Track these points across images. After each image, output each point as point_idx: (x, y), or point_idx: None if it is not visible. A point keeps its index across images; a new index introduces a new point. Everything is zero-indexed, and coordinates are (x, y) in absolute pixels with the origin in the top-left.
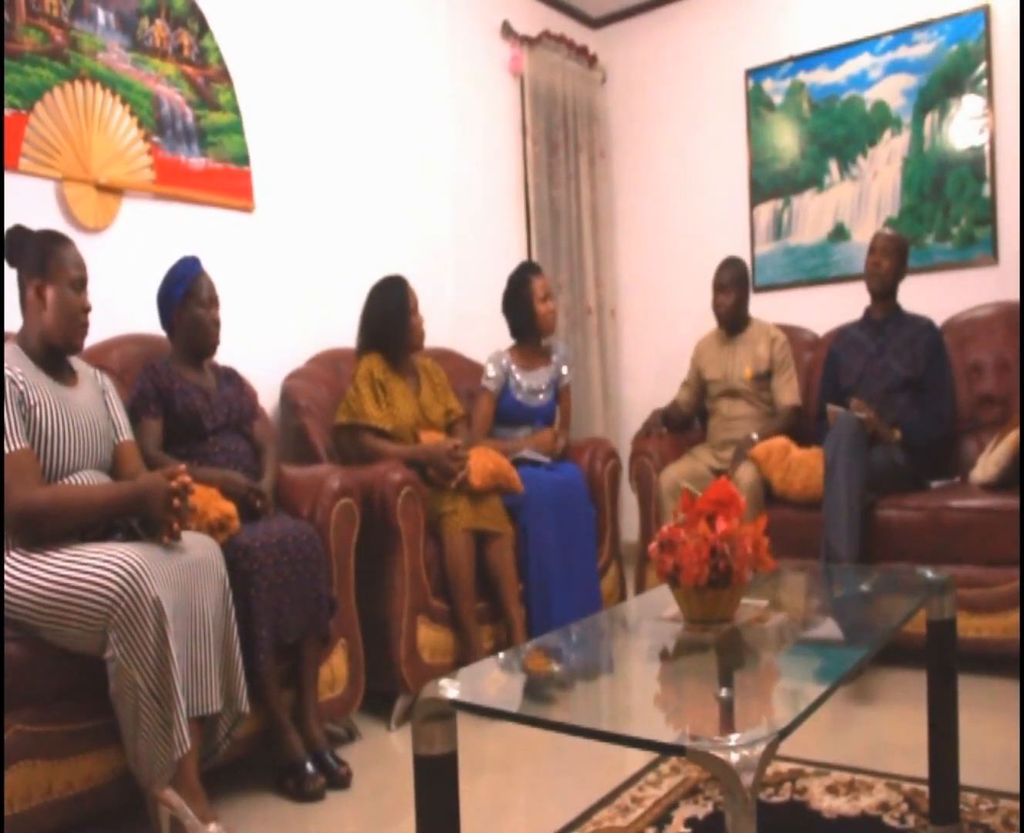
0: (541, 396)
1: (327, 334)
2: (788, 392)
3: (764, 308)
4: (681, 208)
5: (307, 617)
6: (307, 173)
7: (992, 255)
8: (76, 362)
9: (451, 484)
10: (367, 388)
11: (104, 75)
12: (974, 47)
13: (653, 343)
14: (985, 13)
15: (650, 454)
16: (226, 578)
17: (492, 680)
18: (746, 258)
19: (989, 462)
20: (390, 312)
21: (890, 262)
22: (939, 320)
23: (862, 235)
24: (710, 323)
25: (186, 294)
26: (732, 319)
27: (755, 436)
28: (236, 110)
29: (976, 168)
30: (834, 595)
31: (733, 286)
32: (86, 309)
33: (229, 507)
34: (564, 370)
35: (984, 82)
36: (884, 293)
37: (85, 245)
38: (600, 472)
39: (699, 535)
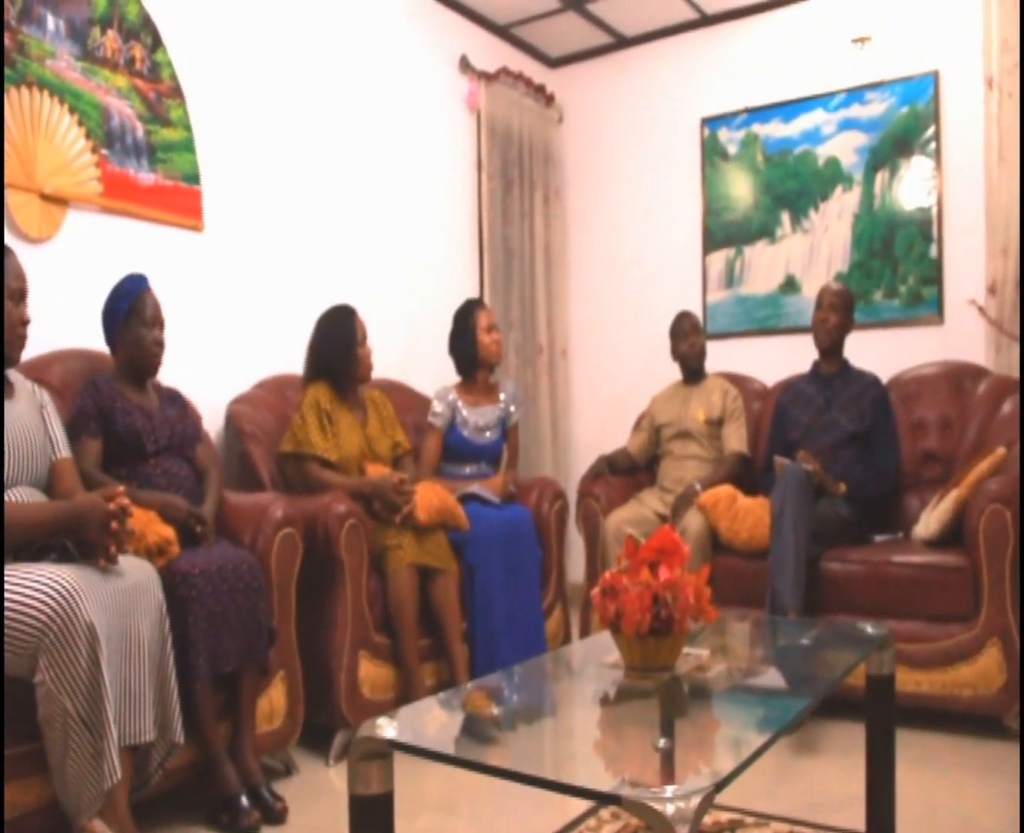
0: (488, 434)
1: (274, 359)
2: (736, 439)
3: (715, 356)
4: (634, 251)
5: (246, 647)
6: (258, 195)
7: (938, 314)
8: (13, 375)
9: (396, 519)
10: (313, 417)
11: (52, 83)
12: (924, 110)
13: (604, 384)
14: (934, 78)
15: (597, 496)
16: (163, 604)
17: (432, 719)
18: (698, 305)
19: (931, 519)
20: (337, 342)
21: (837, 318)
22: (885, 376)
23: (812, 288)
24: (661, 365)
25: (129, 311)
26: (700, 362)
27: (698, 486)
28: (188, 127)
29: (924, 228)
30: (777, 646)
31: (695, 332)
32: (24, 321)
33: (168, 532)
34: (512, 408)
35: (933, 144)
36: (831, 348)
37: (27, 255)
38: (547, 513)
39: (641, 582)
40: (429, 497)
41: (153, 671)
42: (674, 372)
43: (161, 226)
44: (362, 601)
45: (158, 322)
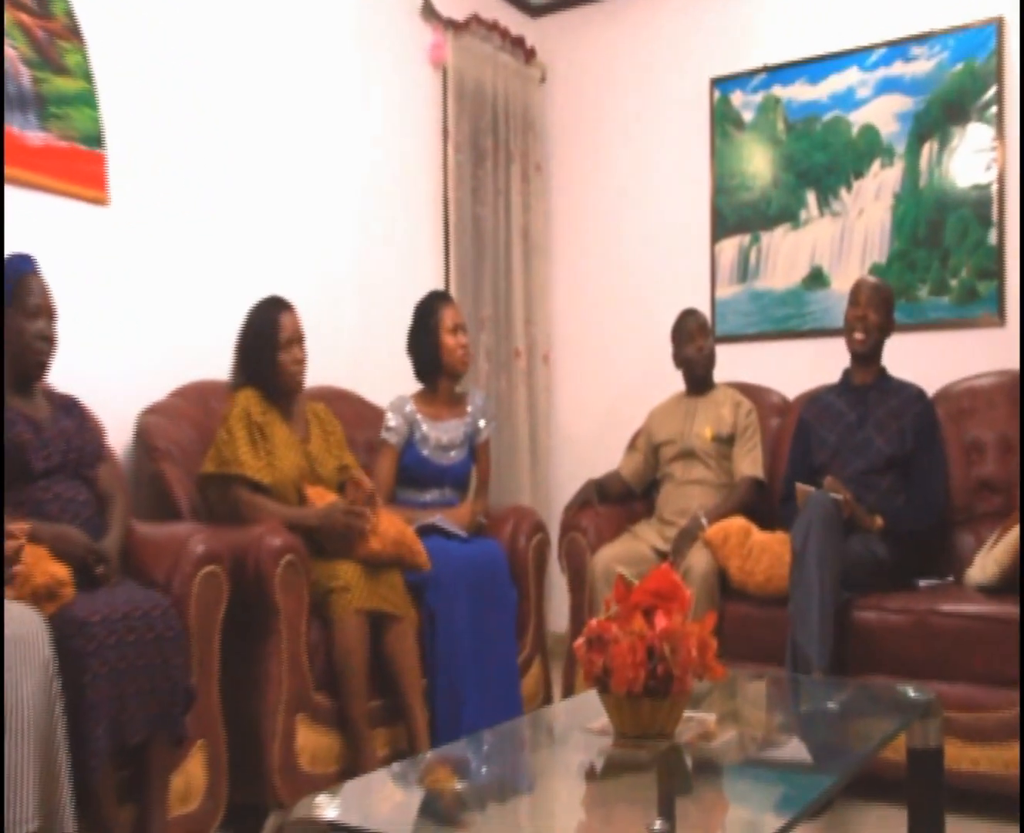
0: (453, 453)
1: (195, 362)
2: (749, 462)
3: (725, 362)
4: (630, 238)
5: (156, 712)
6: (178, 164)
7: (997, 314)
8: None
9: (363, 527)
10: (242, 431)
11: None
12: (983, 66)
13: (593, 396)
14: (998, 27)
15: (584, 529)
16: (52, 661)
17: (384, 797)
18: (705, 302)
19: (989, 560)
20: (259, 343)
21: (877, 317)
22: (932, 388)
23: (843, 282)
24: (661, 373)
25: (11, 299)
26: (708, 369)
27: (704, 518)
28: (88, 77)
29: (981, 210)
30: (799, 710)
31: (702, 334)
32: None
33: (61, 571)
34: (482, 423)
35: (993, 109)
36: (868, 354)
37: None
38: (524, 548)
39: (634, 632)
40: (384, 526)
41: (38, 744)
42: (676, 381)
43: (54, 196)
44: (301, 654)
45: (45, 312)
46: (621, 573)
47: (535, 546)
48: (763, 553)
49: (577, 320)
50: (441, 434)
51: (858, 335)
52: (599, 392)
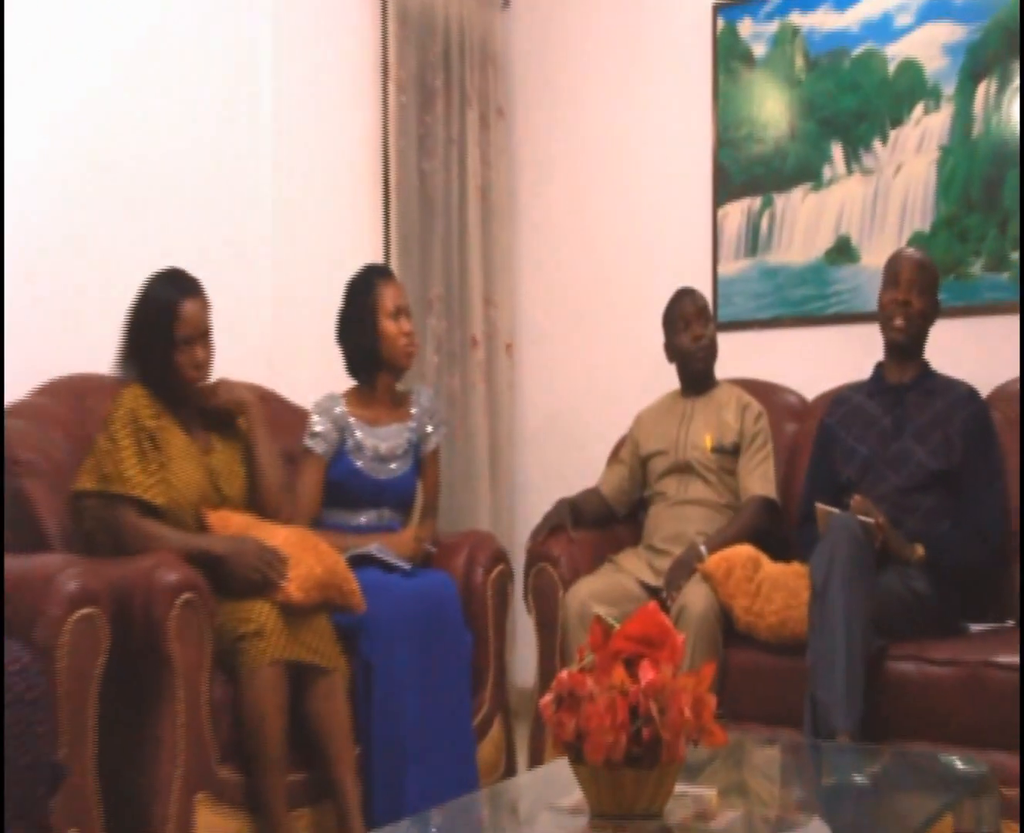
0: (394, 465)
1: (68, 352)
2: (758, 478)
3: (729, 355)
4: (612, 201)
5: (15, 796)
6: (40, 100)
7: None
8: None
9: (274, 594)
10: (128, 438)
11: None
12: None
13: (568, 395)
14: None
15: (555, 560)
16: None
17: None
18: (705, 281)
19: None
20: (151, 335)
21: (922, 302)
22: (986, 387)
23: (876, 255)
24: (649, 368)
25: None
26: (708, 363)
27: (703, 548)
28: None
29: None
30: (821, 785)
31: (700, 320)
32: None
33: None
34: (429, 428)
35: None
36: (909, 346)
37: None
38: (482, 583)
39: (614, 687)
40: (308, 561)
41: None
42: (670, 378)
43: None
44: (202, 717)
45: None
46: (598, 614)
47: (495, 580)
48: (776, 589)
49: (547, 302)
50: (379, 442)
51: (898, 322)
52: (574, 391)
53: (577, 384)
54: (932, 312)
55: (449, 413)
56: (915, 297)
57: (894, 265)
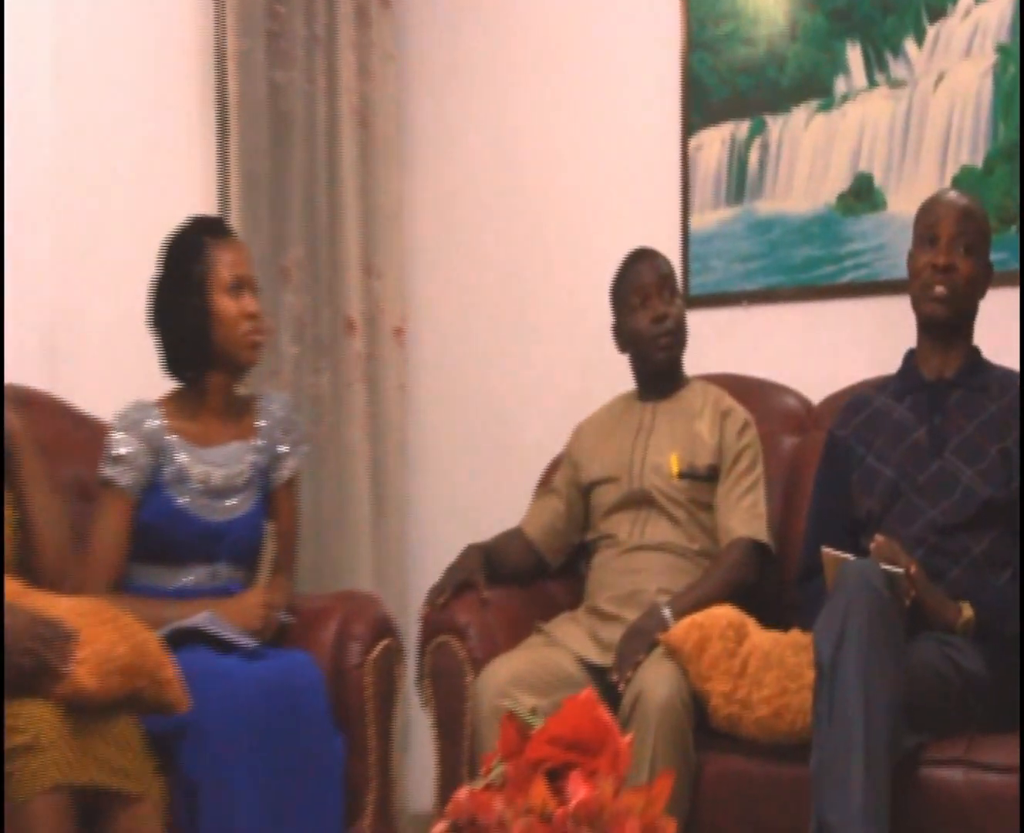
0: (233, 501)
1: None
2: (744, 514)
3: (705, 341)
4: (545, 129)
5: None
6: None
7: None
8: None
9: (55, 686)
10: None
11: None
12: None
13: (480, 398)
14: None
15: (462, 631)
16: None
17: None
18: (671, 238)
19: None
20: None
21: (971, 265)
22: None
23: (908, 202)
24: (595, 362)
25: None
26: (673, 354)
27: (667, 611)
28: None
29: None
30: None
31: (663, 292)
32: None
33: None
34: (284, 448)
35: None
36: (954, 324)
37: None
38: (358, 666)
39: (532, 810)
40: (106, 638)
41: None
42: (622, 376)
43: None
44: None
45: None
46: (509, 710)
47: (377, 661)
48: (767, 668)
49: (452, 270)
50: (211, 469)
51: (939, 290)
52: (490, 393)
53: (494, 384)
54: (983, 279)
55: (313, 426)
56: (960, 258)
57: (930, 214)
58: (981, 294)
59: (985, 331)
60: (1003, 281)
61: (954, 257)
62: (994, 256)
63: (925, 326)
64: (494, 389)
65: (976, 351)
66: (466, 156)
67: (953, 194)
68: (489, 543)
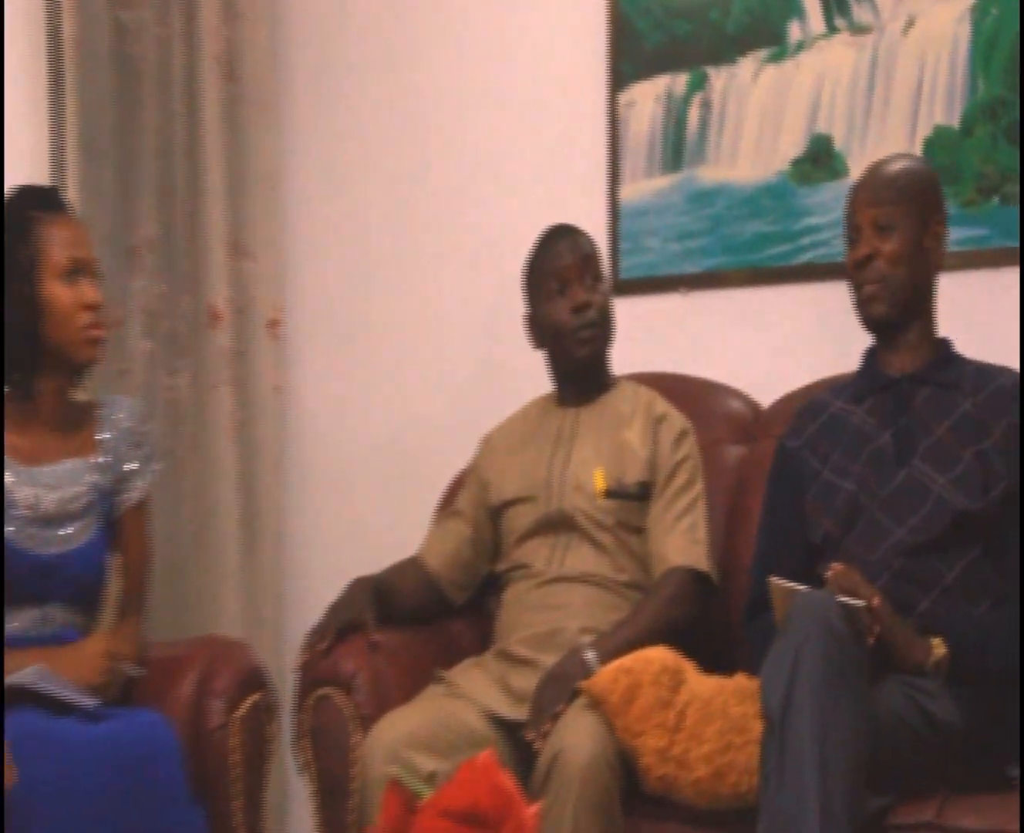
0: (68, 530)
1: None
2: (680, 538)
3: (637, 335)
4: (444, 83)
5: None
6: None
7: None
8: None
9: None
10: None
11: None
12: None
13: (372, 401)
14: None
15: (347, 681)
16: None
17: None
18: (595, 210)
19: None
20: None
21: (899, 240)
22: None
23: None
24: (506, 358)
25: None
26: (598, 349)
27: (591, 654)
28: None
29: None
30: None
31: (584, 276)
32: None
33: None
34: (132, 465)
35: None
36: (900, 317)
37: None
38: (222, 726)
39: None
40: None
41: None
42: (537, 379)
43: None
44: None
45: None
46: (394, 776)
47: (245, 720)
48: (708, 720)
49: (337, 252)
50: (42, 491)
51: (868, 289)
52: (383, 397)
53: (388, 386)
54: (919, 251)
55: (170, 437)
56: (882, 240)
57: (848, 203)
58: (925, 270)
59: (970, 320)
60: (982, 260)
61: (875, 240)
62: (974, 231)
63: (871, 330)
64: (388, 392)
65: (946, 343)
66: (355, 114)
67: (872, 167)
68: (381, 576)
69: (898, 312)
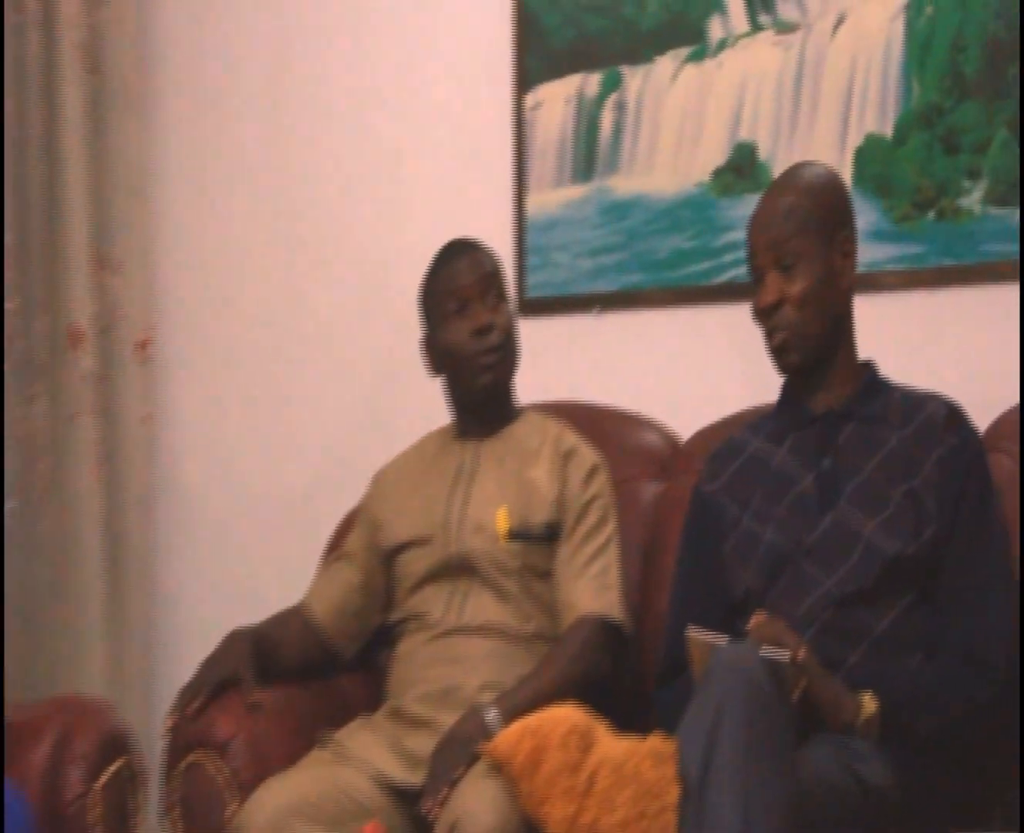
0: None
1: None
2: (590, 584)
3: (544, 360)
4: (336, 77)
5: None
6: None
7: None
8: None
9: None
10: None
11: None
12: None
13: (253, 434)
14: None
15: (222, 745)
16: None
17: None
18: (500, 223)
19: None
20: None
21: (799, 282)
22: (983, 405)
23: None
24: (400, 388)
25: None
26: (502, 376)
27: (493, 712)
28: None
29: None
30: None
31: (486, 296)
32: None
33: None
34: None
35: None
36: (813, 361)
37: None
38: (79, 797)
39: None
40: None
41: None
42: (435, 410)
43: None
44: None
45: None
46: None
47: (107, 790)
48: (620, 786)
49: (213, 264)
50: None
51: (778, 338)
52: (264, 427)
53: (270, 415)
54: (829, 284)
55: (24, 473)
56: (788, 281)
57: (748, 230)
58: (838, 296)
59: (901, 345)
60: (918, 281)
61: (776, 289)
62: (909, 249)
63: (783, 369)
64: (270, 423)
65: (870, 369)
66: (232, 113)
67: (767, 197)
68: (261, 628)
69: (814, 358)
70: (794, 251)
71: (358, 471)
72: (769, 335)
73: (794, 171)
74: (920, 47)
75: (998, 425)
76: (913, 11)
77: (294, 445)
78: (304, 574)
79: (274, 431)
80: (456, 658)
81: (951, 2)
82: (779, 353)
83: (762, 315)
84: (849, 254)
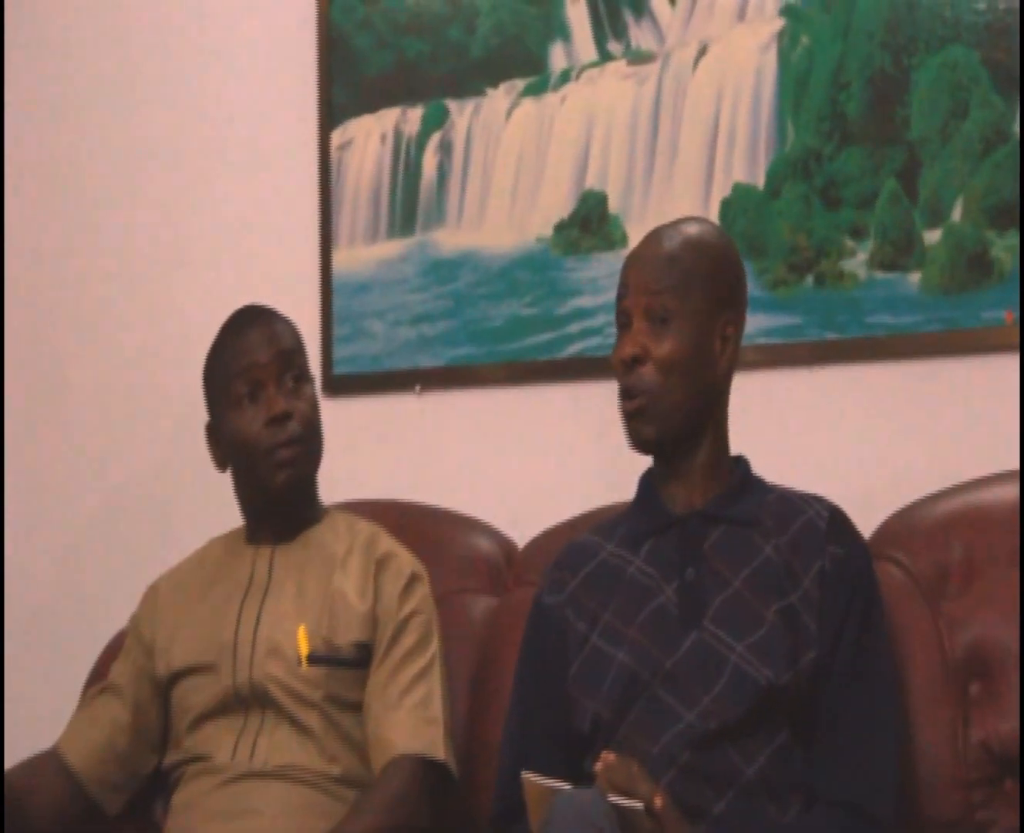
0: None
1: None
2: (407, 718)
3: (354, 446)
4: (111, 101)
5: None
6: None
7: None
8: None
9: None
10: None
11: None
12: None
13: (14, 541)
14: None
15: None
16: None
17: None
18: (304, 285)
19: None
20: None
21: (676, 339)
22: (872, 514)
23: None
24: (180, 480)
25: None
26: (302, 471)
27: None
28: None
29: (993, 52)
30: None
31: (288, 373)
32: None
33: None
34: None
35: None
36: (671, 445)
37: None
38: None
39: None
40: None
41: None
42: (224, 508)
43: None
44: None
45: None
46: None
47: None
48: None
49: None
50: None
51: (635, 402)
52: (22, 535)
53: (25, 516)
54: (709, 353)
55: None
56: (656, 337)
57: (624, 267)
58: (712, 379)
59: (779, 427)
60: (794, 357)
61: (641, 342)
62: (783, 320)
63: (641, 453)
64: (27, 527)
65: (742, 465)
66: None
67: (652, 236)
68: (6, 777)
69: (673, 436)
70: (669, 306)
71: (128, 585)
72: (624, 395)
73: (692, 221)
74: (796, 83)
75: (886, 528)
76: (787, 41)
77: (48, 556)
78: (63, 712)
79: (27, 539)
80: (247, 810)
81: (831, 31)
82: (632, 419)
83: (620, 368)
84: (729, 339)
